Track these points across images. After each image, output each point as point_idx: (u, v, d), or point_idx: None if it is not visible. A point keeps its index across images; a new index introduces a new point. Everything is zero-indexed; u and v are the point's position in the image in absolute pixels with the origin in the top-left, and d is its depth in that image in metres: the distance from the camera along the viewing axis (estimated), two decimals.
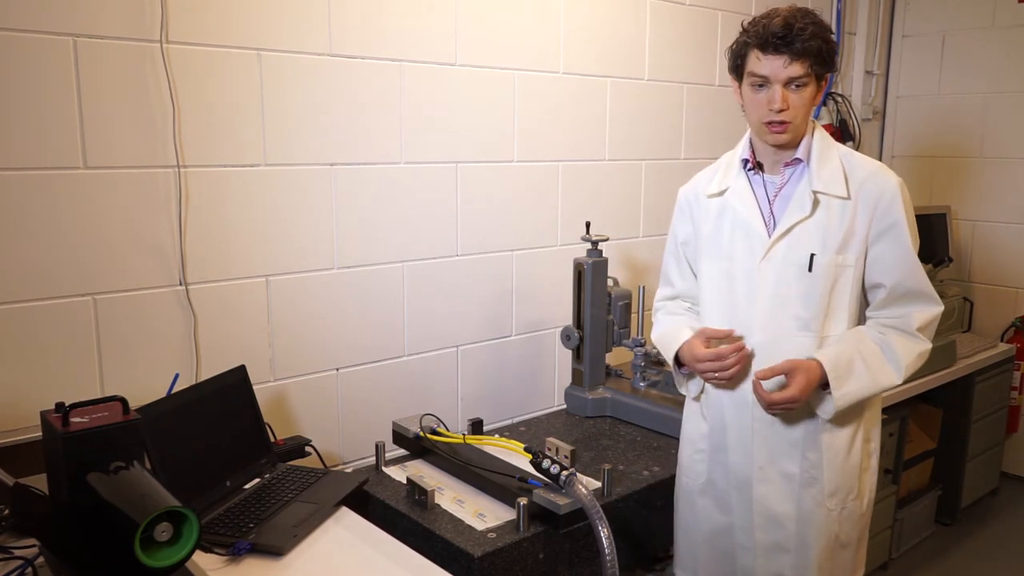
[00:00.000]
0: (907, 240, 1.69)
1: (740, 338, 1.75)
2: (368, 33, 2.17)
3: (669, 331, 1.91)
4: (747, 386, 1.77)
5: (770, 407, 1.69)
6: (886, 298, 1.73)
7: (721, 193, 1.82)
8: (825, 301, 1.71)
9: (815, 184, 1.70)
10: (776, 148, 1.74)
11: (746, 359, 1.75)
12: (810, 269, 1.70)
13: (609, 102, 2.81)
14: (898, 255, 1.70)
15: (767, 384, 1.70)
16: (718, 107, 3.17)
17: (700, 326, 1.85)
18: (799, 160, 1.74)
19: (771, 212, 1.76)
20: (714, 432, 1.86)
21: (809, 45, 1.61)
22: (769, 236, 1.74)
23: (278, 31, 2.01)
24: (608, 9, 2.75)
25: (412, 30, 2.26)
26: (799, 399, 1.67)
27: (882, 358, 1.71)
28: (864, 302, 1.78)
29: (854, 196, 1.70)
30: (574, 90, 2.69)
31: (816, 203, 1.70)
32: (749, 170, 1.80)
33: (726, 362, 1.72)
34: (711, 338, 1.77)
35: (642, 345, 2.55)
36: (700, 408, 1.90)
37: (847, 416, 1.75)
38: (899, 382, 1.72)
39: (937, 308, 1.74)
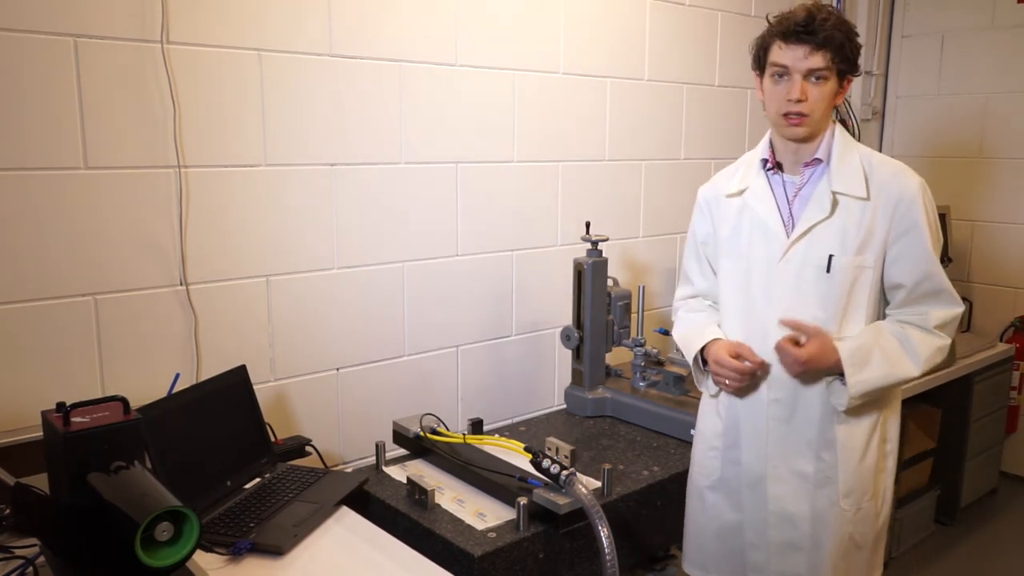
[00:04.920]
0: (927, 241, 1.68)
1: (761, 363, 1.76)
2: (368, 33, 2.18)
3: (694, 329, 1.92)
4: (762, 386, 1.78)
5: (778, 350, 1.71)
6: (905, 298, 1.73)
7: (740, 193, 1.83)
8: (843, 302, 1.71)
9: (835, 185, 1.70)
10: (795, 147, 1.74)
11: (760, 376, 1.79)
12: (828, 270, 1.70)
13: (609, 102, 2.81)
14: (917, 256, 1.69)
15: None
16: (718, 107, 3.17)
17: (723, 322, 1.88)
18: (819, 160, 1.73)
19: (790, 213, 1.76)
20: (728, 430, 1.86)
21: (831, 35, 1.63)
22: (788, 237, 1.74)
23: (278, 31, 2.02)
24: (608, 9, 2.75)
25: (412, 30, 2.26)
26: (804, 362, 1.67)
27: (900, 350, 1.70)
28: (884, 302, 1.78)
29: (874, 197, 1.69)
30: (574, 90, 2.70)
31: (835, 203, 1.70)
32: (768, 170, 1.80)
33: (741, 380, 1.76)
34: (739, 354, 1.77)
35: (642, 345, 2.55)
36: (716, 405, 1.90)
37: (863, 415, 1.75)
38: (917, 374, 1.71)
39: (957, 308, 1.74)
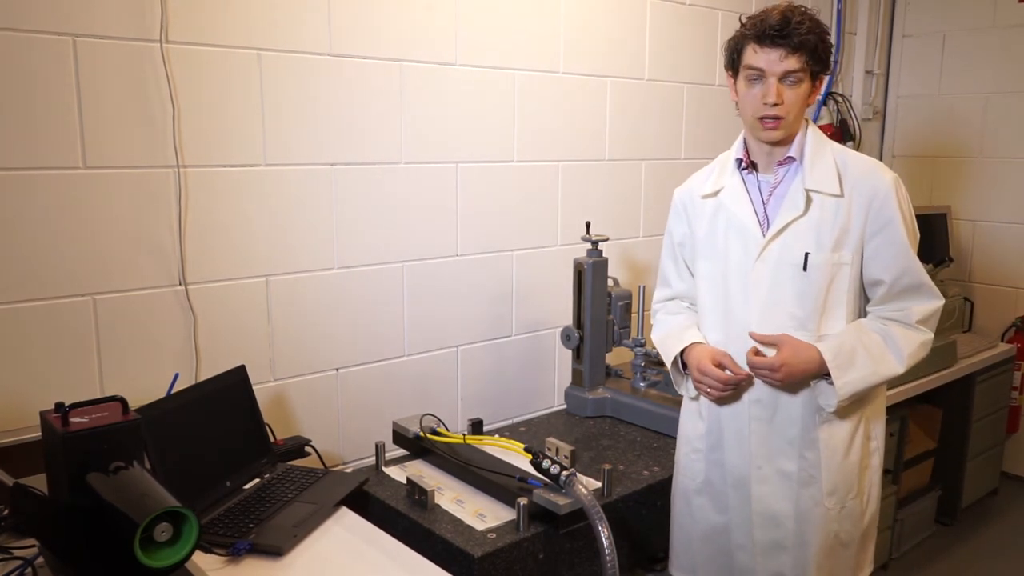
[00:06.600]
0: (903, 236, 1.69)
1: (747, 375, 1.76)
2: (368, 33, 2.17)
3: (672, 332, 1.91)
4: (744, 387, 1.78)
5: (751, 368, 1.73)
6: (886, 294, 1.73)
7: (715, 193, 1.83)
8: (821, 300, 1.71)
9: (808, 182, 1.71)
10: (769, 147, 1.74)
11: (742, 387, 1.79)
12: (805, 268, 1.70)
13: (609, 102, 2.81)
14: (895, 251, 1.70)
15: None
16: (718, 107, 3.17)
17: (701, 324, 1.87)
18: (792, 159, 1.74)
19: (765, 212, 1.76)
20: (711, 432, 1.86)
21: (806, 39, 1.63)
22: (763, 236, 1.74)
23: (278, 31, 2.01)
24: (608, 9, 2.75)
25: (412, 30, 2.26)
26: (778, 368, 1.68)
27: (884, 347, 1.71)
28: (864, 299, 1.78)
29: (848, 194, 1.70)
30: (574, 90, 2.69)
31: (809, 201, 1.71)
32: (743, 170, 1.80)
33: (724, 389, 1.76)
34: (722, 363, 1.77)
35: (642, 345, 2.55)
36: (698, 407, 1.90)
37: (847, 413, 1.75)
38: (902, 371, 1.71)
39: (938, 302, 1.74)
